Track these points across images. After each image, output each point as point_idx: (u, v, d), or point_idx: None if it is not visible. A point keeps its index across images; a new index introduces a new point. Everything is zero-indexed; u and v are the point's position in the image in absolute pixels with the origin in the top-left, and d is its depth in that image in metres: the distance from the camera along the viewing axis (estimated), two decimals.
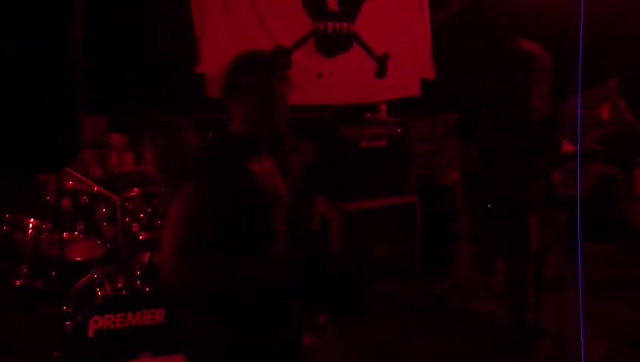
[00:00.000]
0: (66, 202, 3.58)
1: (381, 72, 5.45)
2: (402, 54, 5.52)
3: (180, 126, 4.75)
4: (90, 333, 3.12)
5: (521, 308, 4.02)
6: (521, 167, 3.85)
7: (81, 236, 3.61)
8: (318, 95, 5.15)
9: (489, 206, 3.94)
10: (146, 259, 3.57)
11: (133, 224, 3.59)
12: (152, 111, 4.82)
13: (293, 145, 3.25)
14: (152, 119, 4.64)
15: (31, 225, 3.54)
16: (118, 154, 4.96)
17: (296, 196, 2.80)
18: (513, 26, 3.98)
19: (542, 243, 3.60)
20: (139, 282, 3.42)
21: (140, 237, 3.58)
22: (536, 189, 3.93)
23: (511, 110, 3.79)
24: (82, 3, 3.23)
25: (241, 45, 4.67)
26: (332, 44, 5.21)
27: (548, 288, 4.11)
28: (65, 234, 3.54)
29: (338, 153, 4.88)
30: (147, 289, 3.38)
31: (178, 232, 2.08)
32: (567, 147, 4.29)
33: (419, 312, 4.69)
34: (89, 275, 3.53)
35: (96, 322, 3.13)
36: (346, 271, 2.95)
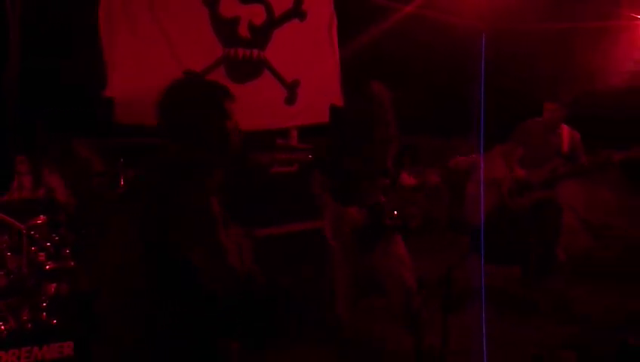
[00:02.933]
0: None
1: (291, 99, 5.53)
2: (312, 81, 5.62)
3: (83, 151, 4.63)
4: None
5: (418, 331, 4.02)
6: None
7: None
8: None
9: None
10: (53, 289, 3.46)
11: (40, 253, 3.48)
12: (56, 136, 4.68)
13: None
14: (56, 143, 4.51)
15: None
16: (19, 178, 4.77)
17: None
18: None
19: (447, 266, 3.71)
20: (45, 314, 3.30)
21: (47, 267, 3.47)
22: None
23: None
24: (18, 40, 3.09)
25: (149, 69, 4.67)
26: (242, 71, 5.24)
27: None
28: None
29: (248, 179, 4.89)
30: (54, 321, 3.27)
31: None
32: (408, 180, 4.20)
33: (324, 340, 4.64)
34: None
35: None
36: (258, 298, 2.97)
